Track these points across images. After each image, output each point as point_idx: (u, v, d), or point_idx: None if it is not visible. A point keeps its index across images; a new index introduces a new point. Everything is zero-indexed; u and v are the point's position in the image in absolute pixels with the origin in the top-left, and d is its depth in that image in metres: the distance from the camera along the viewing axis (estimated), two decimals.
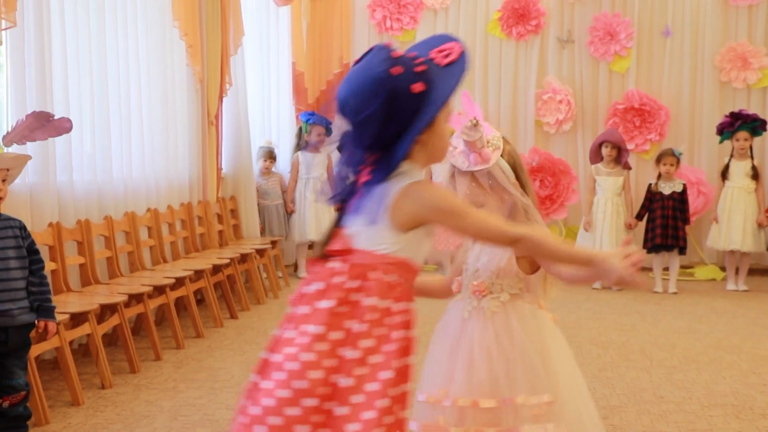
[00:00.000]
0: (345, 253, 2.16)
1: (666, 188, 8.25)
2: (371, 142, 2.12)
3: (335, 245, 2.20)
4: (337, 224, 2.23)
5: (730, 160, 8.51)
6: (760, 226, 8.42)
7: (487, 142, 2.70)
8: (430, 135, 2.15)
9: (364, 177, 2.16)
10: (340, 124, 2.17)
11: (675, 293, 8.12)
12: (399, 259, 2.13)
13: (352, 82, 2.13)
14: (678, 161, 8.28)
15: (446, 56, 2.17)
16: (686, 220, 8.23)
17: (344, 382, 2.04)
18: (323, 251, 2.22)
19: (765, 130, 8.51)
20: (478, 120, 2.66)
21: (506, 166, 2.71)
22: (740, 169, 8.43)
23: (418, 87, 2.07)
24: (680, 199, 8.21)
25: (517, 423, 2.52)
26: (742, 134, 8.40)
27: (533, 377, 2.56)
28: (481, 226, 2.15)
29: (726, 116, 8.57)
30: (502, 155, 2.71)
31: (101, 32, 5.78)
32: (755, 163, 8.46)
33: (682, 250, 8.27)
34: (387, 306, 2.11)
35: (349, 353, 2.06)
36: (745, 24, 9.59)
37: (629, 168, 8.46)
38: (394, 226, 2.12)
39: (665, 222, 8.18)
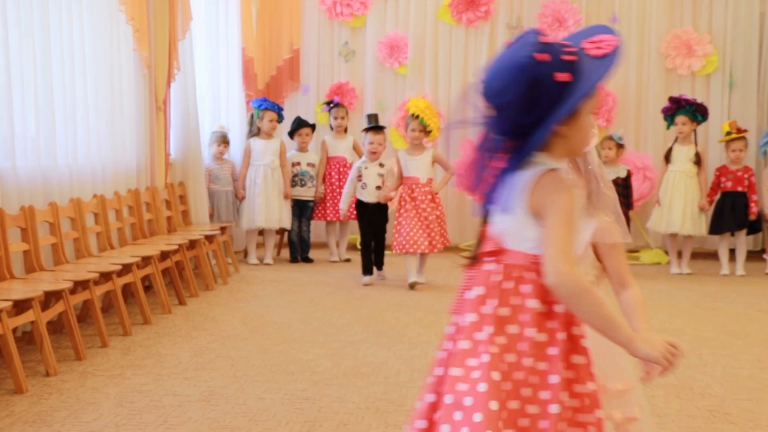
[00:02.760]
0: (497, 253, 2.12)
1: (610, 174, 8.32)
2: (509, 128, 2.07)
3: (487, 246, 2.14)
4: (484, 222, 2.17)
5: (673, 145, 8.65)
6: (701, 210, 8.56)
7: None
8: (571, 126, 2.08)
9: (501, 164, 2.11)
10: (480, 107, 2.12)
11: None
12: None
13: (498, 65, 2.07)
14: (619, 146, 8.36)
15: (599, 48, 2.10)
16: (629, 206, 8.33)
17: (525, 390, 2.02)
18: (476, 253, 2.17)
19: (705, 115, 8.63)
20: None
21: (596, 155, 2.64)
22: (683, 153, 8.56)
23: (562, 76, 2.01)
24: (624, 184, 8.30)
25: (609, 408, 2.51)
26: (681, 118, 8.54)
27: (615, 363, 2.57)
28: (553, 241, 2.01)
29: (668, 101, 8.70)
30: None
31: (45, 16, 5.69)
32: (698, 148, 8.60)
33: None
34: (547, 309, 2.06)
35: (512, 357, 2.03)
36: (690, 11, 9.73)
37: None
38: (531, 216, 2.06)
39: None
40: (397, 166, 7.57)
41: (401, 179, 7.54)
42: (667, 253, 9.07)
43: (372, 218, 7.78)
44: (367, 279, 7.67)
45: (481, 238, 2.19)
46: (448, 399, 2.04)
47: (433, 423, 2.10)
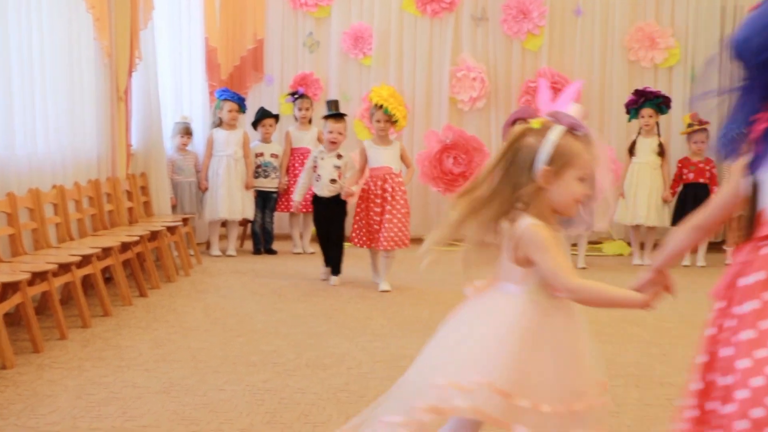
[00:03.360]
0: None
1: None
2: None
3: (763, 230, 1.97)
4: (753, 199, 2.00)
5: (637, 137, 8.71)
6: (665, 201, 8.63)
7: None
8: None
9: (763, 124, 1.92)
10: (734, 71, 1.95)
11: (584, 268, 8.27)
12: None
13: (757, 20, 1.90)
14: None
15: None
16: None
17: None
18: (749, 235, 2.01)
19: (669, 107, 8.72)
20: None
21: None
22: (646, 145, 8.62)
23: None
24: None
25: None
26: (647, 111, 8.60)
27: None
28: None
29: (632, 94, 8.76)
30: None
31: (3, 4, 5.60)
32: (661, 140, 8.66)
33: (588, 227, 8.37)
34: None
35: None
36: (653, 5, 9.81)
37: None
38: None
39: None
40: (361, 157, 7.01)
41: (362, 172, 7.05)
42: (629, 244, 9.13)
43: (327, 214, 7.20)
44: (325, 270, 7.35)
45: (756, 219, 2.01)
46: (742, 394, 1.88)
47: (705, 412, 2.02)
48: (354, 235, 7.02)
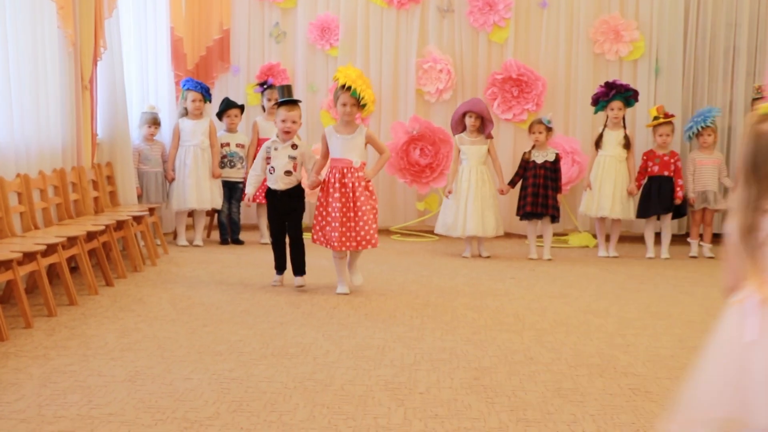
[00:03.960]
0: None
1: (539, 157, 8.42)
2: None
3: None
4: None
5: (603, 130, 8.77)
6: (629, 194, 8.71)
7: None
8: None
9: None
10: None
11: (550, 260, 8.33)
12: None
13: None
14: (548, 129, 8.45)
15: None
16: (558, 189, 8.41)
17: None
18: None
19: (637, 100, 8.80)
20: None
21: None
22: (613, 138, 8.69)
23: None
24: (552, 168, 8.39)
25: None
26: (616, 104, 8.67)
27: None
28: None
29: (601, 86, 8.82)
30: None
31: None
32: (627, 132, 8.73)
33: (555, 219, 8.46)
34: None
35: None
36: None
37: (491, 137, 8.53)
38: None
39: (536, 190, 8.36)
40: (323, 144, 6.43)
41: (326, 160, 6.48)
42: (595, 236, 9.21)
43: (282, 208, 6.61)
44: (278, 278, 6.72)
45: None
46: None
47: None
48: (314, 230, 6.43)
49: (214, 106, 9.28)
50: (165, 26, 9.32)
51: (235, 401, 3.83)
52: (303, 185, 6.66)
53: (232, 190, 9.04)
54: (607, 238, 8.85)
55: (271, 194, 6.63)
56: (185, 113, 8.83)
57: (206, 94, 8.89)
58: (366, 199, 6.27)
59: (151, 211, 8.11)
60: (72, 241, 6.10)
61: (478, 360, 4.62)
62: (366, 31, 10.04)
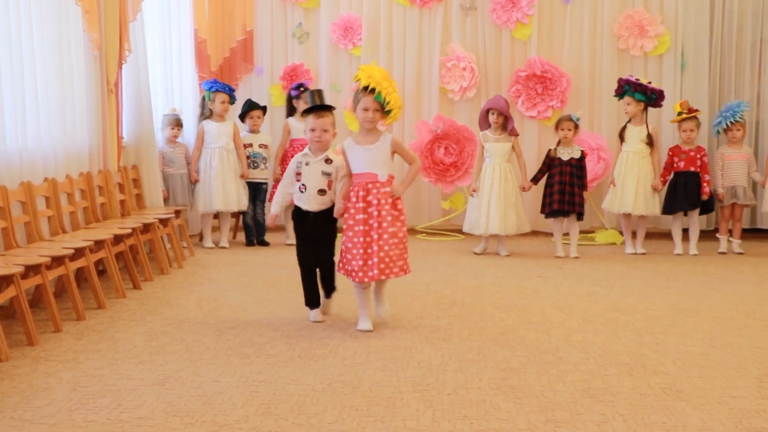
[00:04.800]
0: None
1: (564, 154, 8.38)
2: None
3: None
4: None
5: (627, 124, 8.70)
6: (654, 190, 8.64)
7: None
8: None
9: None
10: None
11: (577, 258, 8.29)
12: None
13: None
14: (576, 126, 8.41)
15: None
16: (584, 186, 8.36)
17: None
18: None
19: (645, 93, 8.58)
20: None
21: None
22: (636, 134, 8.63)
23: None
24: (578, 165, 8.34)
25: None
26: (624, 99, 8.62)
27: None
28: None
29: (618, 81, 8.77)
30: None
31: None
32: (650, 130, 8.64)
33: (580, 216, 8.41)
34: None
35: None
36: None
37: (516, 134, 8.49)
38: None
39: (562, 188, 8.31)
40: (345, 161, 5.40)
41: (352, 180, 5.36)
42: (621, 233, 9.15)
43: (314, 232, 5.49)
44: (315, 314, 5.55)
45: None
46: None
47: None
48: (340, 258, 5.43)
49: (237, 108, 9.30)
50: (189, 28, 9.36)
51: (264, 404, 3.84)
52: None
53: (256, 191, 9.06)
54: (634, 234, 8.79)
55: (299, 216, 5.52)
56: (209, 115, 8.85)
57: (233, 96, 8.93)
58: (393, 219, 5.23)
59: (177, 213, 8.14)
60: (99, 244, 6.13)
61: (506, 360, 4.61)
62: (389, 30, 10.02)
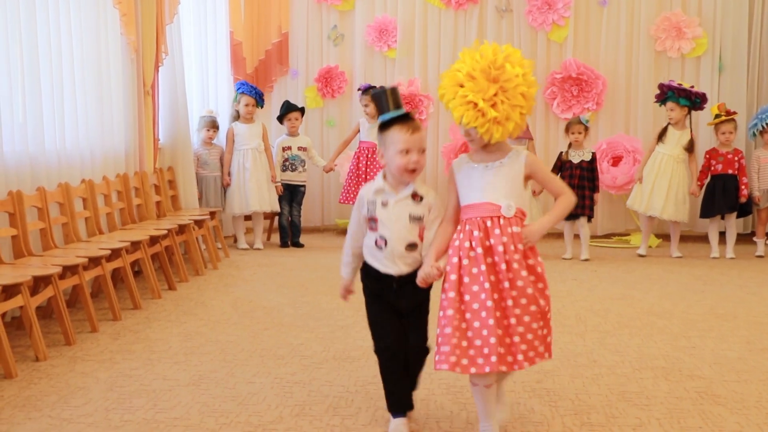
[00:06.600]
0: None
1: (576, 157, 8.33)
2: None
3: None
4: None
5: (668, 125, 8.59)
6: (692, 195, 8.56)
7: None
8: None
9: None
10: None
11: (587, 260, 8.21)
12: None
13: None
14: (586, 129, 8.36)
15: None
16: (595, 188, 8.30)
17: None
18: None
19: (689, 98, 8.50)
20: None
21: None
22: (676, 137, 8.52)
23: None
24: (589, 167, 8.28)
25: None
26: (668, 105, 8.52)
27: None
28: None
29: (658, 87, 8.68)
30: None
31: (31, 1, 5.65)
32: (693, 135, 8.55)
33: (590, 218, 8.36)
34: None
35: None
36: None
37: (530, 138, 8.45)
38: None
39: (573, 191, 8.23)
40: (450, 190, 3.43)
41: (452, 225, 3.39)
42: (658, 236, 9.07)
43: (400, 304, 3.53)
44: (400, 426, 3.48)
45: None
46: None
47: None
48: (442, 344, 3.26)
49: (274, 110, 9.33)
50: (225, 31, 9.42)
51: (298, 405, 3.85)
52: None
53: (293, 193, 9.10)
54: (666, 237, 8.69)
55: (376, 280, 3.54)
56: (237, 116, 8.90)
57: (260, 100, 8.92)
58: (528, 275, 3.23)
59: (212, 214, 8.19)
60: (135, 245, 6.18)
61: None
62: (424, 33, 10.03)
